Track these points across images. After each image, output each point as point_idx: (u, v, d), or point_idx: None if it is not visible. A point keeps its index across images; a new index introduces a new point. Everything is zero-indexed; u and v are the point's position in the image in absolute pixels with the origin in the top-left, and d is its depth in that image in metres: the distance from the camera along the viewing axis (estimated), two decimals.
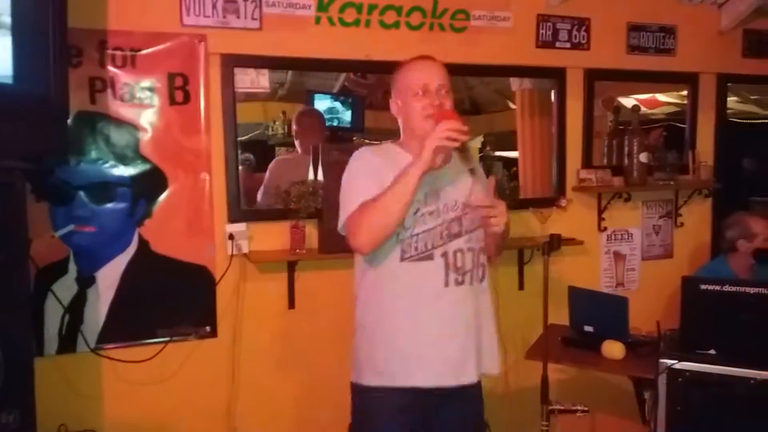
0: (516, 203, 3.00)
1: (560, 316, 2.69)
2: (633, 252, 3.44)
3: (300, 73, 4.37)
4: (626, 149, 3.29)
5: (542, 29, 3.13)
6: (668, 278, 3.19)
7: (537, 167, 3.68)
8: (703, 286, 2.21)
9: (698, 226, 3.56)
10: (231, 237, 2.63)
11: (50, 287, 2.42)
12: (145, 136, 2.52)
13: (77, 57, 2.40)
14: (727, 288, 2.17)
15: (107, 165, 2.48)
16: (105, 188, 2.48)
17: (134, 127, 2.51)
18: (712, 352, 2.13)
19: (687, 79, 3.52)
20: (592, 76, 3.26)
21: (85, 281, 2.47)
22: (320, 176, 2.70)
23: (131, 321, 2.53)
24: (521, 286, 3.17)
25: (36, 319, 2.37)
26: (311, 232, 2.72)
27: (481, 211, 1.72)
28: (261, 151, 4.55)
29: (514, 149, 3.98)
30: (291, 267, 2.71)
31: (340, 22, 2.77)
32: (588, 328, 2.61)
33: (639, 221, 3.45)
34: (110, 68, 2.47)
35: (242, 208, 2.72)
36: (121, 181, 2.50)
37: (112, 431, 2.47)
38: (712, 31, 3.49)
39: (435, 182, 1.76)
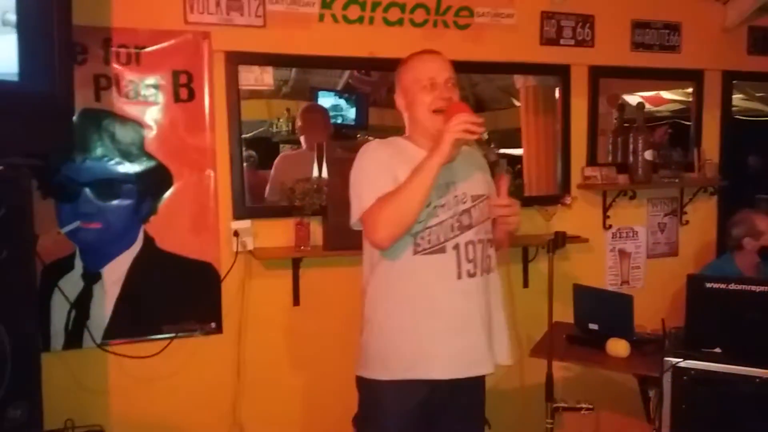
0: (521, 201, 2.98)
1: (565, 313, 2.68)
2: (638, 250, 3.43)
3: (304, 71, 4.39)
4: (631, 147, 3.28)
5: (546, 26, 3.12)
6: (673, 276, 3.18)
7: (542, 165, 3.68)
8: (708, 285, 2.19)
9: (704, 224, 3.55)
10: (236, 234, 2.64)
11: (57, 283, 2.44)
12: (150, 134, 2.53)
13: (82, 54, 2.41)
14: (732, 286, 2.15)
15: (112, 162, 2.49)
16: (110, 185, 2.49)
17: (139, 124, 2.52)
18: (718, 350, 2.12)
19: (692, 77, 3.51)
20: (597, 74, 3.25)
21: (91, 277, 2.49)
22: (325, 173, 2.71)
23: (137, 317, 2.54)
24: (526, 284, 3.17)
25: (42, 315, 2.38)
26: (316, 229, 2.72)
27: (499, 210, 1.74)
28: (265, 148, 4.58)
29: (519, 147, 3.97)
30: (296, 264, 2.72)
31: (344, 19, 2.77)
32: (593, 326, 2.60)
33: (644, 219, 3.43)
34: (115, 66, 2.47)
35: (247, 205, 2.73)
36: (126, 178, 2.51)
37: (118, 426, 2.49)
38: (717, 28, 3.47)
39: (445, 175, 1.75)
